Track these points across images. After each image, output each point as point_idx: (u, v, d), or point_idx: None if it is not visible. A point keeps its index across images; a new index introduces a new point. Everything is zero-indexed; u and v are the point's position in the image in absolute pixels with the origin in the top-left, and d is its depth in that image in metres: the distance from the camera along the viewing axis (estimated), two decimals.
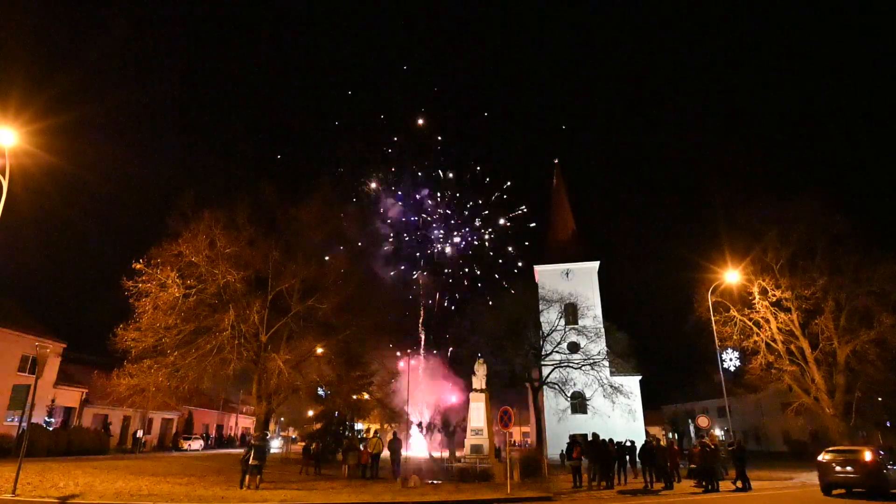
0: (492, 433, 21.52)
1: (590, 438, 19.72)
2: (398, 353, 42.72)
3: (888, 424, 35.12)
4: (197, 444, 43.00)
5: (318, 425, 32.72)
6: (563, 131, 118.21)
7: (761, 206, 26.04)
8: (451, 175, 72.92)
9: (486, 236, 71.68)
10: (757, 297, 24.99)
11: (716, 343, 24.42)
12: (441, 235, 71.93)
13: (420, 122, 73.81)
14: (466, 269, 70.50)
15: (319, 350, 25.86)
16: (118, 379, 21.54)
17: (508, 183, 71.89)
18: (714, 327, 24.42)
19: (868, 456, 14.57)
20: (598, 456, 18.32)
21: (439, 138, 74.34)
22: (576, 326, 39.32)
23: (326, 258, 26.65)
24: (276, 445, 45.07)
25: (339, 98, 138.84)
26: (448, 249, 71.08)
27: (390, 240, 70.38)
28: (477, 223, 71.74)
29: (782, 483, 19.53)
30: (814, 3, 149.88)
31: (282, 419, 53.68)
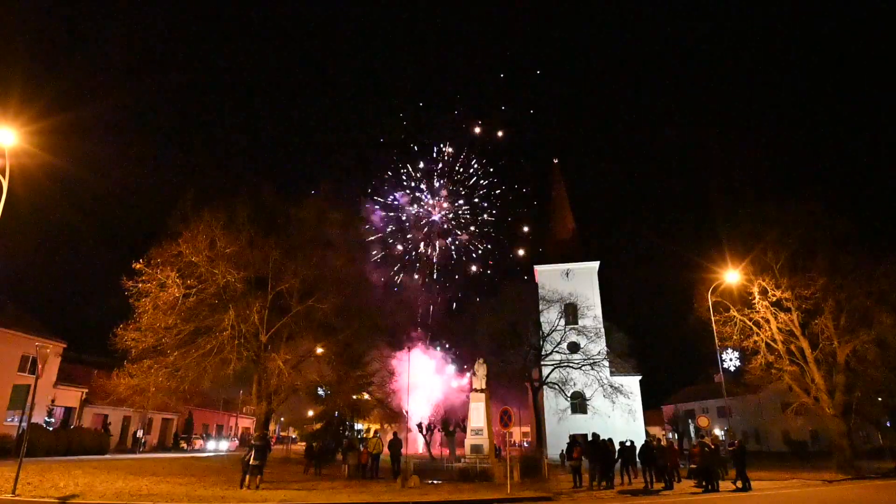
0: (492, 433, 21.52)
1: (590, 438, 19.72)
2: (397, 353, 42.64)
3: (888, 424, 35.12)
4: (196, 444, 43.06)
5: (318, 425, 32.72)
6: (563, 131, 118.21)
7: (761, 206, 25.99)
8: (448, 173, 72.93)
9: (484, 234, 71.71)
10: (757, 297, 24.95)
11: (716, 343, 24.40)
12: (440, 235, 71.96)
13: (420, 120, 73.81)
14: (466, 270, 70.59)
15: (319, 350, 25.84)
16: (118, 379, 21.53)
17: (503, 188, 72.07)
18: (714, 327, 24.39)
19: None
20: (598, 456, 18.31)
21: (439, 138, 74.36)
22: (576, 326, 39.34)
23: (326, 257, 26.64)
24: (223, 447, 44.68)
25: (339, 99, 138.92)
26: (447, 248, 71.08)
27: (390, 237, 70.49)
28: (477, 221, 71.80)
29: (783, 483, 19.53)
30: (816, 2, 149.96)
31: (282, 419, 53.69)
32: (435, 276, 71.51)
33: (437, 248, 72.40)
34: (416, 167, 73.66)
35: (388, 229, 71.57)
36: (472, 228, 72.57)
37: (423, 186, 73.45)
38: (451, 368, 54.68)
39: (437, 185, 74.00)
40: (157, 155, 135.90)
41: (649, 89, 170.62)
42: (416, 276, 69.58)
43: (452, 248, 72.29)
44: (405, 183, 74.80)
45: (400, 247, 71.71)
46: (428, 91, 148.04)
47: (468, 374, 26.70)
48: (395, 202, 73.67)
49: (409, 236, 73.03)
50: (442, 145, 74.33)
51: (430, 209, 73.19)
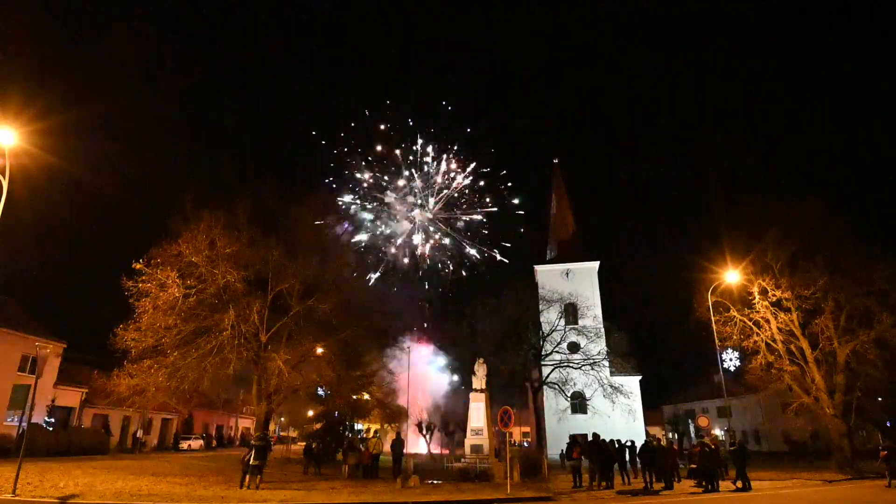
0: (492, 433, 21.51)
1: (590, 438, 19.71)
2: (397, 353, 42.66)
3: (888, 424, 35.11)
4: (196, 444, 43.01)
5: (318, 425, 32.73)
6: (563, 131, 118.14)
7: (761, 206, 25.97)
8: (448, 174, 72.79)
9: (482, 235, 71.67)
10: (757, 297, 24.94)
11: (716, 343, 24.39)
12: (440, 235, 71.86)
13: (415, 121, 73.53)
14: (466, 271, 70.54)
15: (319, 350, 25.84)
16: (118, 379, 21.52)
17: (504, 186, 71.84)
18: (714, 327, 24.38)
19: None
20: (598, 456, 18.31)
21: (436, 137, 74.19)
22: (576, 326, 39.36)
23: (326, 257, 26.63)
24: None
25: (339, 100, 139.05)
26: (447, 245, 71.01)
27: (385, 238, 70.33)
28: (475, 221, 71.71)
29: (783, 483, 19.53)
30: (815, 2, 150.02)
31: (282, 419, 53.68)
32: (433, 277, 71.38)
33: (436, 247, 72.27)
34: (413, 164, 73.24)
35: (385, 228, 71.31)
36: (471, 223, 72.39)
37: (419, 183, 73.16)
38: (451, 368, 54.70)
39: (436, 183, 73.79)
40: (157, 155, 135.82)
41: (650, 89, 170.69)
42: (407, 284, 69.33)
43: (450, 247, 72.21)
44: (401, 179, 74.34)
45: (395, 248, 71.45)
46: (427, 90, 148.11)
47: (468, 374, 26.70)
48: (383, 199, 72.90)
49: (403, 235, 72.76)
50: (441, 145, 74.01)
51: (425, 207, 72.98)
